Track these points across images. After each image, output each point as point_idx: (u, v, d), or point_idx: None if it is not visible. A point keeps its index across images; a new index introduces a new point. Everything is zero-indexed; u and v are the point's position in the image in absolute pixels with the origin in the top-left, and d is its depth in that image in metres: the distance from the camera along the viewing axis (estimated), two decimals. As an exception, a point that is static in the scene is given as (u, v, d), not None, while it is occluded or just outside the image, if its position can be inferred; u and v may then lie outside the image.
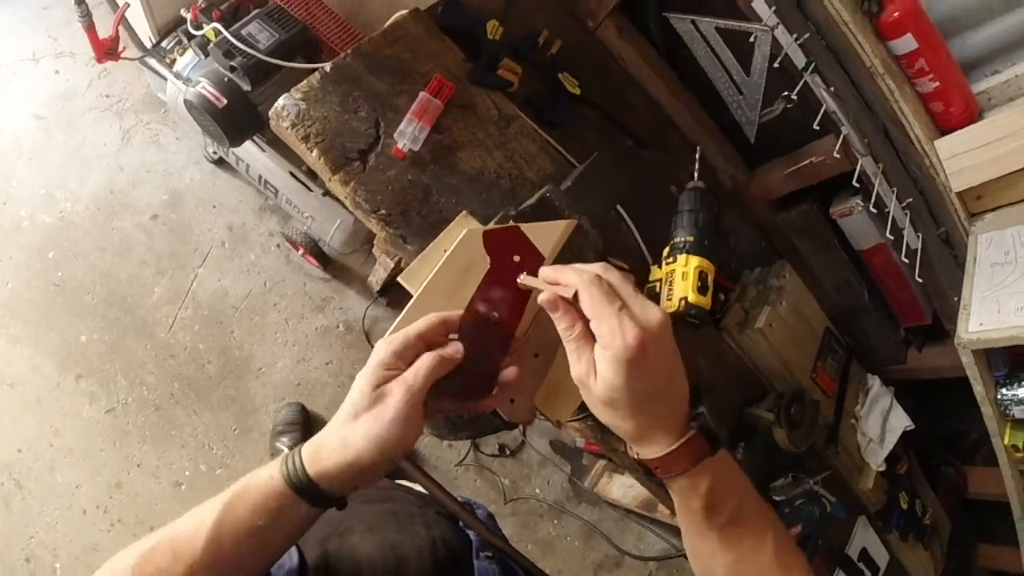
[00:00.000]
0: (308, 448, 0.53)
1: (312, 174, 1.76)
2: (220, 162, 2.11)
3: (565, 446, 2.23)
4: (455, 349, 0.56)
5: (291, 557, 0.60)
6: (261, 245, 2.14)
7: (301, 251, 2.08)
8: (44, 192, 2.00)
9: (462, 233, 0.68)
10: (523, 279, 0.60)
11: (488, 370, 0.58)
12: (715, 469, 0.55)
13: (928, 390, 1.54)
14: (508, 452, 2.18)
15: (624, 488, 2.03)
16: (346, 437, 0.52)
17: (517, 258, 0.61)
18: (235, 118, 1.42)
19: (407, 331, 0.56)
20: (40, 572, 1.76)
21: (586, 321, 0.53)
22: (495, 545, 0.67)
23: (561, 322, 0.54)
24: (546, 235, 0.72)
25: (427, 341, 0.57)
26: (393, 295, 2.16)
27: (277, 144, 1.67)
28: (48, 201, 2.00)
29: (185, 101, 1.44)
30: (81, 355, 1.92)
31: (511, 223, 0.71)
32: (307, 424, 1.98)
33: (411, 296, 0.65)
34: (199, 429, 1.95)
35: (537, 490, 2.19)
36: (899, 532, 1.42)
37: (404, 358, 0.55)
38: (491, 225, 0.80)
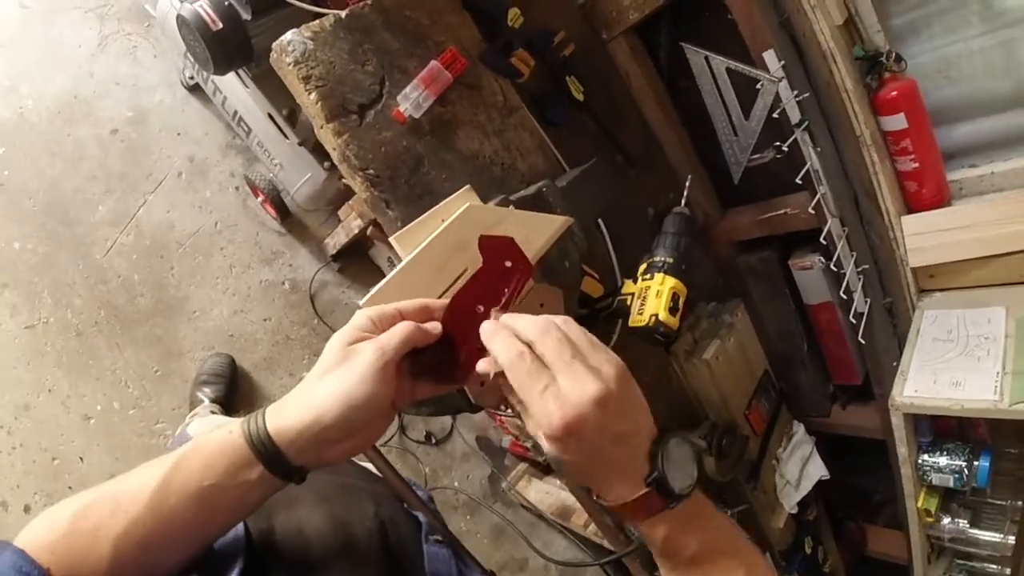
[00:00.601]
0: (272, 406, 0.51)
1: (291, 120, 1.69)
2: (195, 89, 2.01)
3: (491, 444, 2.23)
4: (433, 325, 0.56)
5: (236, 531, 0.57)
6: (219, 184, 2.04)
7: (261, 198, 2.00)
8: (8, 84, 1.84)
9: (463, 207, 0.67)
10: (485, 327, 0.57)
11: (462, 360, 0.58)
12: (674, 518, 0.53)
13: (844, 446, 1.63)
14: (434, 441, 2.17)
15: (541, 493, 2.06)
16: (311, 394, 0.50)
17: (508, 263, 0.62)
18: (227, 44, 1.35)
19: (388, 306, 0.55)
20: (-73, 484, 1.62)
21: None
22: (443, 532, 0.66)
23: (504, 389, 0.53)
24: (542, 226, 0.72)
25: (406, 318, 0.56)
26: (346, 262, 2.11)
27: (262, 81, 1.60)
28: (10, 94, 1.84)
29: (178, 16, 1.36)
30: (11, 263, 1.77)
31: (484, 206, 0.71)
32: (233, 378, 1.90)
33: (368, 268, 0.64)
34: (118, 364, 1.84)
35: (456, 483, 2.18)
36: (799, 575, 1.50)
37: (380, 326, 0.53)
38: (490, 205, 0.80)
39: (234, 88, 1.71)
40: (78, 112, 1.91)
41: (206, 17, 1.32)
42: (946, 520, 1.21)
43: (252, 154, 1.97)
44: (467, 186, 0.71)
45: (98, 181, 1.90)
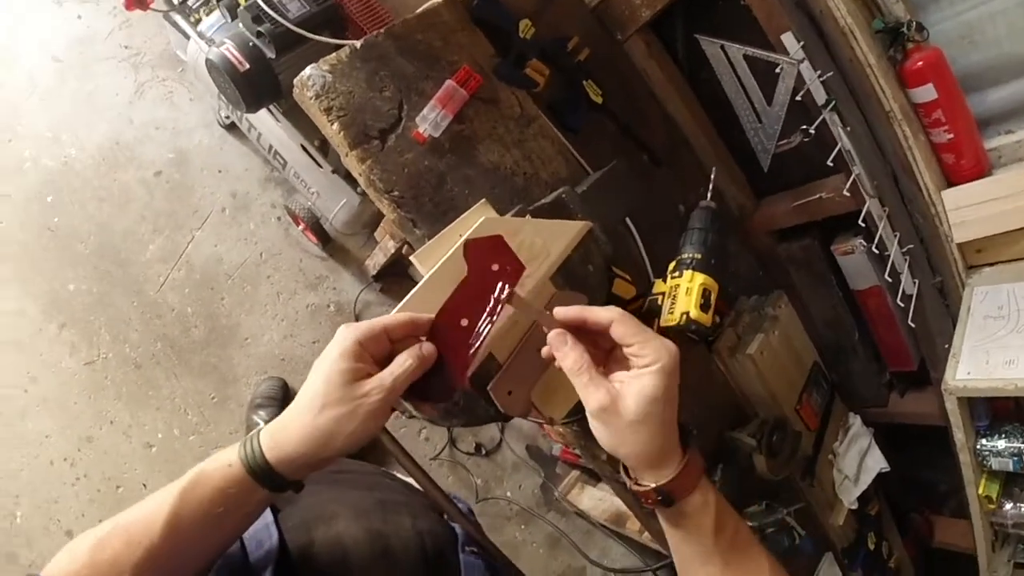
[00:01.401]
0: (268, 434, 0.52)
1: (323, 150, 1.75)
2: (231, 128, 2.10)
3: (541, 452, 2.23)
4: (429, 350, 0.56)
5: (271, 536, 0.60)
6: (262, 215, 2.13)
7: (302, 226, 2.07)
8: (51, 135, 1.97)
9: (479, 220, 0.68)
10: (543, 318, 0.61)
11: (450, 375, 0.58)
12: (712, 485, 0.57)
13: (905, 436, 1.56)
14: (484, 452, 2.18)
15: (595, 500, 2.04)
16: (313, 427, 0.51)
17: (495, 267, 0.61)
18: (255, 84, 1.41)
19: (374, 323, 0.55)
20: (0, 518, 1.73)
21: (597, 352, 0.57)
22: (479, 542, 0.66)
23: (568, 357, 0.56)
24: (559, 233, 0.72)
25: (392, 338, 0.56)
26: (388, 282, 2.16)
27: (292, 115, 1.66)
28: (53, 144, 1.97)
29: (207, 61, 1.43)
30: (67, 303, 1.89)
31: (500, 219, 0.70)
32: (286, 400, 1.97)
33: (409, 286, 0.64)
34: (177, 393, 1.93)
35: (508, 493, 2.18)
36: (863, 572, 1.44)
37: (370, 350, 0.55)
38: (506, 217, 0.80)
39: (267, 123, 1.78)
40: (121, 158, 2.02)
41: (233, 59, 1.38)
42: (1008, 506, 1.15)
43: (290, 185, 2.04)
44: (483, 200, 0.72)
45: (146, 221, 2.00)
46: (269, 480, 0.51)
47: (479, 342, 0.59)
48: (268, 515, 0.62)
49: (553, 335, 0.58)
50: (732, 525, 0.56)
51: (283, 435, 0.52)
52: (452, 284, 0.62)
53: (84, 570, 0.50)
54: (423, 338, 0.58)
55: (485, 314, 0.59)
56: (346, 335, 0.54)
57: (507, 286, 0.61)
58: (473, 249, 0.60)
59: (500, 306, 0.60)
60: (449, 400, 0.58)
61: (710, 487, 0.56)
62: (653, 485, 0.54)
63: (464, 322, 0.59)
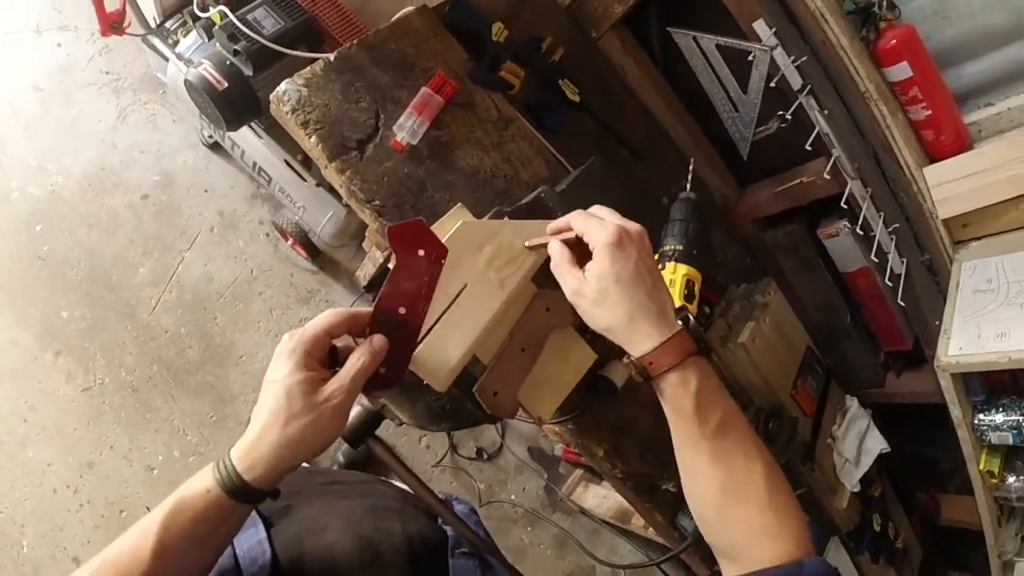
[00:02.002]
0: (239, 456, 0.53)
1: (307, 164, 1.75)
2: (215, 147, 2.10)
3: (543, 453, 2.23)
4: (380, 343, 0.58)
5: (264, 552, 0.61)
6: (250, 233, 2.13)
7: (290, 241, 2.07)
8: (36, 164, 1.98)
9: (456, 225, 0.68)
10: (529, 242, 0.70)
11: (398, 362, 0.60)
12: (702, 371, 0.59)
13: (905, 415, 1.56)
14: (485, 456, 2.18)
15: (599, 498, 2.03)
16: (283, 440, 0.53)
17: (421, 252, 0.62)
18: (235, 102, 1.42)
19: (316, 328, 0.57)
20: (7, 548, 1.73)
21: (576, 253, 0.64)
22: (472, 542, 0.67)
23: (555, 253, 0.65)
24: (538, 234, 0.72)
25: (333, 335, 0.58)
26: (379, 291, 2.16)
27: (274, 131, 1.67)
28: (39, 173, 1.98)
29: (186, 82, 1.44)
30: (61, 331, 1.89)
31: (479, 221, 0.72)
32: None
33: None
34: (175, 414, 1.93)
35: (512, 496, 2.18)
36: (870, 554, 1.44)
37: (315, 354, 0.56)
38: (483, 220, 0.81)
39: (250, 141, 1.78)
40: (108, 183, 2.02)
41: (211, 79, 1.38)
42: (1011, 479, 1.15)
43: (276, 201, 2.05)
44: (459, 204, 0.72)
45: (135, 245, 2.00)
46: (247, 496, 0.53)
47: (420, 324, 0.62)
48: (261, 531, 0.62)
49: (544, 238, 0.67)
50: (720, 415, 0.58)
51: (255, 453, 0.53)
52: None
53: None
54: (366, 330, 0.59)
55: (419, 299, 0.61)
56: (293, 347, 0.55)
57: (436, 268, 0.63)
58: (396, 236, 0.61)
59: (431, 290, 0.62)
60: (398, 385, 0.60)
61: (696, 372, 0.58)
62: (632, 358, 0.60)
63: (402, 310, 0.60)
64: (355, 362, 0.56)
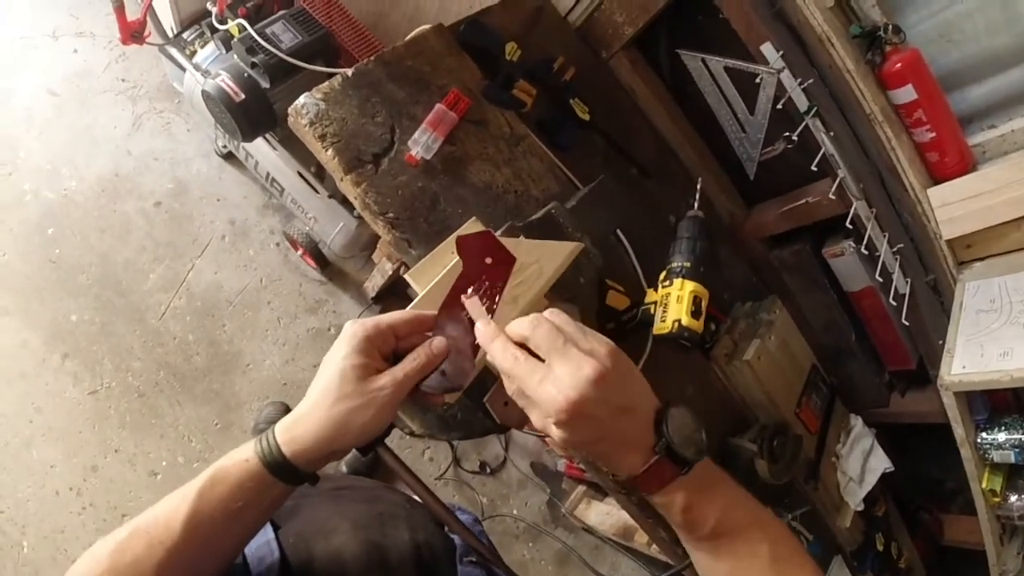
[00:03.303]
0: (283, 429, 0.54)
1: (320, 176, 1.78)
2: (229, 156, 2.13)
3: (546, 468, 2.22)
4: (440, 345, 0.58)
5: (272, 552, 0.61)
6: (261, 242, 2.15)
7: (300, 251, 2.09)
8: (50, 168, 2.01)
9: (472, 240, 0.70)
10: (478, 330, 0.59)
11: (460, 367, 0.60)
12: (689, 487, 0.55)
13: (909, 435, 1.56)
14: (489, 470, 2.18)
15: (602, 515, 2.03)
16: (328, 419, 0.53)
17: (489, 259, 0.63)
18: (251, 113, 1.45)
19: (380, 321, 0.57)
20: (8, 548, 1.73)
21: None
22: (479, 552, 0.67)
23: (509, 387, 0.56)
24: (551, 254, 0.74)
25: (398, 335, 0.58)
26: (387, 303, 2.17)
27: (288, 143, 1.69)
28: (53, 177, 2.01)
29: (203, 92, 1.47)
30: (70, 334, 1.91)
31: (492, 233, 0.73)
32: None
33: (408, 302, 0.66)
34: (180, 420, 1.94)
35: (515, 510, 2.18)
36: (873, 574, 1.43)
37: (376, 346, 0.57)
38: (497, 235, 0.82)
39: (264, 152, 1.81)
40: (121, 189, 2.05)
41: (228, 90, 1.41)
42: (1013, 498, 1.15)
43: (288, 211, 2.07)
44: (473, 218, 0.74)
45: (147, 251, 2.03)
46: (285, 473, 0.53)
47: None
48: (269, 531, 0.63)
49: (490, 358, 0.57)
50: (714, 519, 0.56)
51: (298, 428, 0.53)
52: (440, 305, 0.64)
53: (106, 575, 0.50)
54: (430, 334, 0.59)
55: (486, 305, 0.61)
56: (355, 331, 0.56)
57: (504, 277, 0.63)
58: (465, 244, 0.63)
59: (499, 292, 0.62)
60: (460, 390, 0.60)
61: (681, 491, 0.55)
62: (613, 477, 0.56)
63: (466, 314, 0.60)
64: (411, 360, 0.56)
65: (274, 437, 0.53)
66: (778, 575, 0.57)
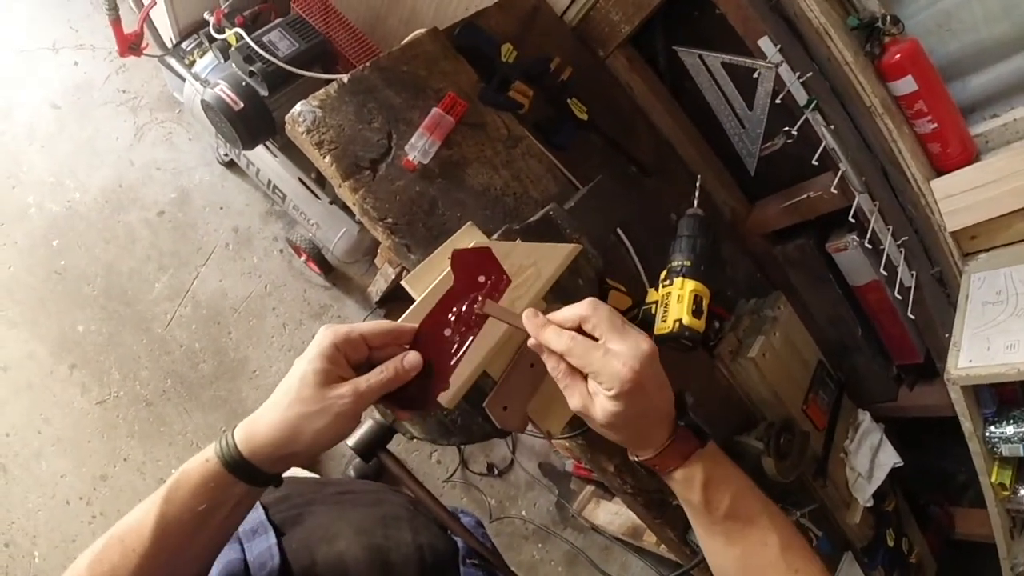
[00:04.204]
0: (242, 428, 0.54)
1: (320, 182, 1.79)
2: (230, 165, 2.14)
3: (554, 469, 2.22)
4: (412, 360, 0.58)
5: (272, 557, 0.61)
6: (264, 249, 2.16)
7: (304, 257, 2.10)
8: (53, 180, 2.02)
9: (468, 244, 0.69)
10: (525, 320, 0.61)
11: (429, 386, 0.59)
12: (707, 463, 0.59)
13: (918, 429, 1.55)
14: (496, 472, 2.18)
15: (611, 515, 2.02)
16: (282, 420, 0.53)
17: (482, 278, 0.62)
18: (250, 121, 1.45)
19: (354, 329, 0.57)
20: (18, 558, 1.75)
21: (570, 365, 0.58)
22: (481, 554, 0.67)
23: (548, 363, 0.59)
24: (549, 256, 0.74)
25: (371, 345, 0.58)
26: (391, 306, 2.18)
27: (289, 150, 1.70)
28: (57, 189, 2.02)
29: (202, 102, 1.47)
30: (77, 344, 1.92)
31: (489, 242, 0.72)
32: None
33: (410, 303, 0.66)
34: (189, 428, 1.95)
35: (523, 512, 2.18)
36: (885, 569, 1.42)
37: (347, 353, 0.56)
38: (494, 239, 0.82)
39: (265, 159, 1.82)
40: (125, 199, 2.06)
41: (227, 99, 1.42)
42: (1023, 491, 1.14)
43: (290, 218, 2.08)
44: (469, 223, 0.73)
45: (151, 260, 2.04)
46: (244, 472, 0.52)
47: (461, 352, 0.60)
48: (271, 537, 0.63)
49: (531, 344, 0.60)
50: (729, 500, 0.59)
51: (254, 427, 0.53)
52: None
53: None
54: (407, 347, 0.59)
55: (470, 325, 0.60)
56: (324, 336, 0.56)
57: (496, 299, 0.62)
58: (459, 260, 0.61)
59: (482, 317, 0.61)
60: (427, 409, 0.60)
61: (701, 466, 0.58)
62: (637, 458, 0.60)
63: (447, 332, 0.60)
64: (377, 373, 0.56)
65: (232, 436, 0.53)
66: (788, 565, 0.58)
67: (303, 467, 0.57)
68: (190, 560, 0.54)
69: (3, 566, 1.74)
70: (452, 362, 0.60)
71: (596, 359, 0.55)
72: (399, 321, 0.62)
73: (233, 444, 0.53)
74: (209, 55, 1.67)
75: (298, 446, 0.53)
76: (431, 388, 0.59)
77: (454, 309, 0.61)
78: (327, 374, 0.54)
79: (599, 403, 0.55)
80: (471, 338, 0.61)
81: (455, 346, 0.60)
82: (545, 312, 0.72)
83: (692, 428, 0.59)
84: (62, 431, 1.86)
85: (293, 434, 0.53)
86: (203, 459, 0.53)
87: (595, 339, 0.56)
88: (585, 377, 0.57)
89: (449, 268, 0.67)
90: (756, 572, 0.59)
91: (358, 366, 0.57)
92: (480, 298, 0.62)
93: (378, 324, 0.58)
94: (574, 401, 0.57)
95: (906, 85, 1.12)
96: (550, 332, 0.58)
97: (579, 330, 0.58)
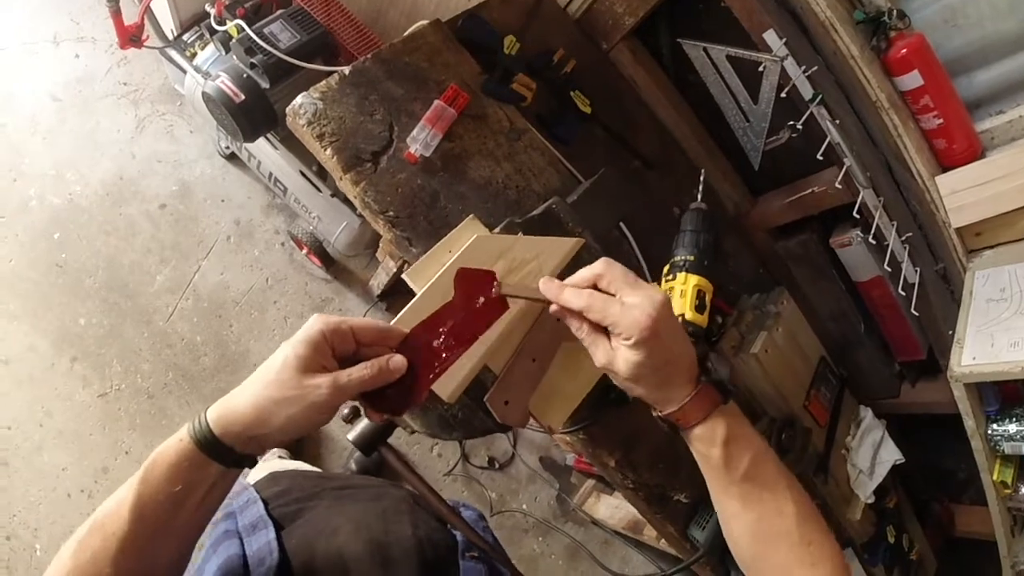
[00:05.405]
0: (216, 408, 0.53)
1: (322, 174, 1.78)
2: (232, 157, 2.14)
3: (555, 463, 2.22)
4: (398, 363, 0.57)
5: (271, 553, 0.61)
6: (266, 242, 2.16)
7: (305, 250, 2.09)
8: (55, 173, 2.02)
9: (471, 238, 0.69)
10: (543, 287, 0.63)
11: (408, 391, 0.59)
12: (729, 420, 0.60)
13: (920, 425, 1.54)
14: (497, 465, 2.18)
15: (611, 508, 2.02)
16: (254, 401, 0.52)
17: (481, 300, 0.62)
18: (251, 114, 1.44)
19: (346, 320, 0.57)
20: (20, 551, 1.75)
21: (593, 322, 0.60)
22: (481, 548, 0.67)
23: (572, 324, 0.61)
24: (551, 250, 0.73)
25: (359, 340, 0.58)
26: (393, 300, 2.17)
27: (290, 142, 1.69)
28: (58, 182, 2.01)
29: (203, 94, 1.47)
30: (78, 337, 1.92)
31: (492, 236, 0.71)
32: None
33: (411, 296, 0.65)
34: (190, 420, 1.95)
35: (524, 505, 2.18)
36: (885, 566, 1.42)
37: (333, 345, 0.56)
38: (496, 232, 0.81)
39: (266, 152, 1.81)
40: (126, 192, 2.06)
41: (228, 91, 1.41)
42: (1025, 490, 1.14)
43: (292, 210, 2.07)
44: (471, 216, 0.73)
45: (153, 253, 2.03)
46: (216, 452, 0.52)
47: (446, 366, 0.61)
48: (271, 532, 0.63)
49: (553, 310, 0.62)
50: (748, 460, 0.59)
51: (227, 406, 0.53)
52: (444, 299, 0.64)
53: (70, 575, 0.50)
54: (392, 349, 0.59)
55: (460, 341, 0.61)
56: (313, 324, 0.55)
57: (486, 325, 0.62)
58: (463, 278, 0.62)
59: (473, 335, 0.62)
60: (398, 415, 0.60)
61: (723, 422, 0.59)
62: (660, 413, 0.61)
63: (436, 343, 0.60)
64: (359, 369, 0.55)
65: (206, 415, 0.52)
66: (802, 537, 0.58)
67: (281, 448, 0.57)
68: (169, 542, 0.53)
69: (5, 559, 1.75)
70: (432, 375, 0.60)
71: (614, 312, 0.57)
72: (394, 321, 0.62)
73: (206, 423, 0.52)
74: (210, 47, 1.66)
75: (268, 428, 0.52)
76: (409, 395, 0.59)
77: (448, 322, 0.61)
78: (309, 361, 0.53)
79: (621, 355, 0.57)
80: (461, 350, 0.61)
81: (441, 359, 0.60)
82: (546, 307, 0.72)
83: (715, 386, 0.60)
84: (63, 424, 1.86)
85: (264, 416, 0.52)
86: (177, 439, 0.52)
87: (612, 295, 0.58)
88: (608, 336, 0.59)
89: (451, 263, 0.66)
90: (770, 540, 0.59)
91: (343, 359, 0.57)
92: (492, 290, 0.63)
93: (369, 321, 0.58)
94: (599, 357, 0.59)
95: (912, 80, 1.11)
96: (568, 293, 0.60)
97: (595, 289, 0.60)
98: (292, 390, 0.52)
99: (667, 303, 0.58)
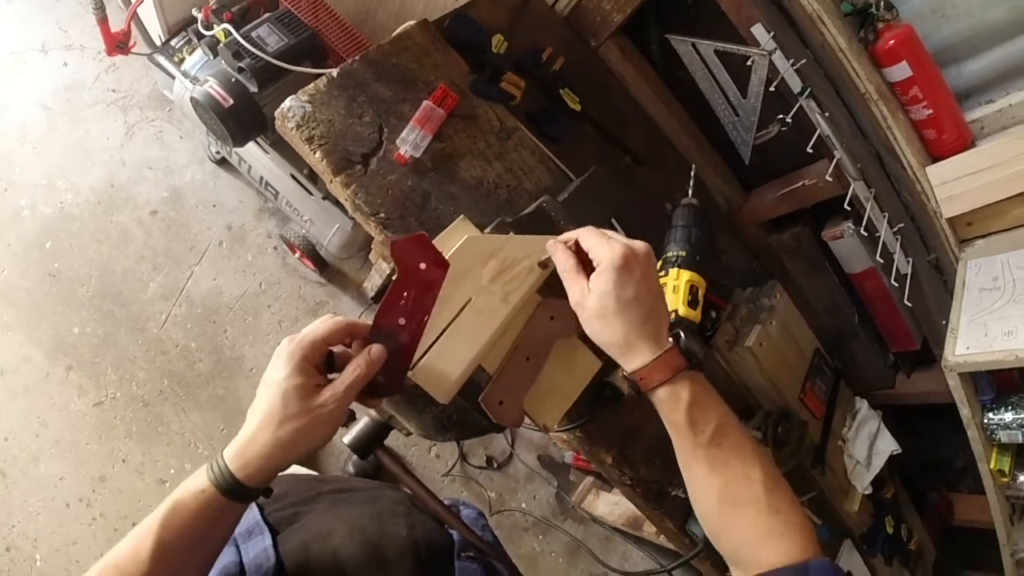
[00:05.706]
0: (232, 455, 0.55)
1: (313, 177, 1.77)
2: (222, 162, 2.13)
3: (553, 461, 2.22)
4: (378, 353, 0.59)
5: (268, 559, 0.62)
6: (258, 246, 2.15)
7: (298, 254, 2.08)
8: (45, 182, 2.01)
9: (461, 239, 0.69)
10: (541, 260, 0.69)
11: (395, 373, 0.61)
12: (694, 385, 0.61)
13: (916, 416, 1.55)
14: (495, 465, 2.18)
15: (610, 505, 2.03)
16: (276, 441, 0.54)
17: (423, 265, 0.63)
18: (240, 118, 1.44)
19: (314, 334, 0.58)
20: (20, 562, 1.75)
21: (580, 260, 0.65)
22: (478, 547, 0.67)
23: (560, 260, 0.66)
24: (542, 249, 0.73)
25: (330, 344, 0.59)
26: (380, 303, 2.17)
27: (280, 146, 1.69)
28: (49, 191, 2.01)
29: (192, 99, 1.46)
30: (72, 347, 1.91)
31: (483, 236, 0.72)
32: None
33: None
34: (186, 427, 1.94)
35: (523, 504, 2.18)
36: (884, 556, 1.42)
37: (313, 361, 0.57)
38: (487, 232, 0.81)
39: (256, 156, 1.80)
40: (117, 199, 2.05)
41: (217, 96, 1.40)
42: (1022, 477, 1.14)
43: (284, 214, 2.07)
44: (461, 216, 0.73)
45: (145, 260, 2.03)
46: (241, 495, 0.54)
47: (419, 332, 0.62)
48: (267, 539, 0.63)
49: (550, 245, 0.67)
50: (714, 425, 0.60)
51: (248, 453, 0.54)
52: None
53: None
54: (364, 340, 0.60)
55: (420, 309, 0.62)
56: (292, 352, 0.56)
57: (437, 284, 0.63)
58: (399, 250, 0.62)
59: (430, 299, 0.63)
60: (399, 393, 0.62)
61: (688, 386, 0.61)
62: (626, 372, 0.63)
63: (402, 320, 0.61)
64: (351, 372, 0.57)
65: (225, 464, 0.54)
66: (770, 505, 0.59)
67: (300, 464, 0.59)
68: (191, 573, 0.56)
69: (5, 570, 1.74)
70: (411, 348, 0.62)
71: (601, 242, 0.63)
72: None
73: (227, 471, 0.54)
74: (198, 52, 1.65)
75: (293, 458, 0.56)
76: (397, 374, 0.61)
77: (404, 294, 0.62)
78: (305, 387, 0.55)
79: (594, 286, 0.61)
80: (425, 317, 0.62)
81: (412, 331, 0.62)
82: (540, 305, 0.72)
83: (685, 353, 0.62)
84: (60, 433, 1.85)
85: (289, 449, 0.55)
86: (198, 490, 0.54)
87: None
88: (588, 279, 0.63)
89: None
90: (737, 506, 0.59)
91: (321, 366, 0.59)
92: (420, 286, 0.63)
93: (332, 323, 0.59)
94: (573, 294, 0.64)
95: (901, 71, 1.11)
96: (568, 232, 0.67)
97: None
98: (304, 417, 0.55)
99: (648, 252, 0.63)
